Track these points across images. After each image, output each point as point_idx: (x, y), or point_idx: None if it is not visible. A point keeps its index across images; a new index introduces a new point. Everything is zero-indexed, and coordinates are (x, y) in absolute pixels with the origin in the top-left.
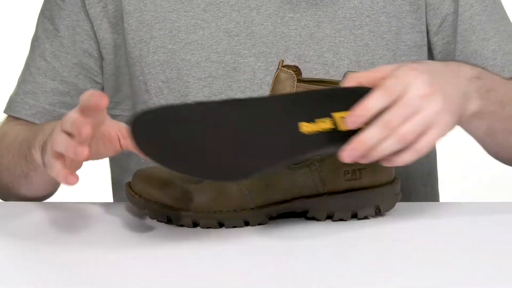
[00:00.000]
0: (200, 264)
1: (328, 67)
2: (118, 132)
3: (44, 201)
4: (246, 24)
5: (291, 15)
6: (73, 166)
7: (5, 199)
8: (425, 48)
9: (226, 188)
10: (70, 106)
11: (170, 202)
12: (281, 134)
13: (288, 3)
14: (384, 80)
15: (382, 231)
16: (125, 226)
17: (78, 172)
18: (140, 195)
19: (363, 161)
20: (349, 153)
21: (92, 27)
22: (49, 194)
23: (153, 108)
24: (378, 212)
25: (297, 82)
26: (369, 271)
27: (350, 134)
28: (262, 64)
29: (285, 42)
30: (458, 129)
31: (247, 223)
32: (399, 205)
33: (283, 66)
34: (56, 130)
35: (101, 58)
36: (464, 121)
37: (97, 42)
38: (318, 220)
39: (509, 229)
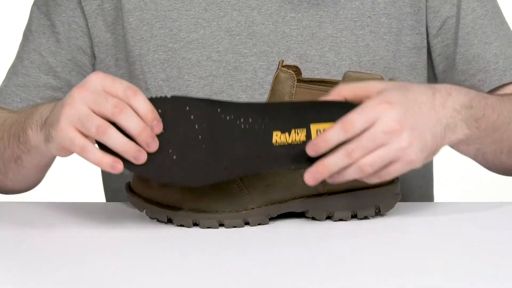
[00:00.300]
0: (200, 264)
1: (330, 67)
2: None
3: (44, 201)
4: (247, 24)
5: (292, 15)
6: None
7: None
8: (425, 50)
9: (226, 188)
10: None
11: (170, 202)
12: (254, 142)
13: (289, 3)
14: (367, 99)
15: (382, 231)
16: (125, 226)
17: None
18: (140, 195)
19: (330, 181)
20: (312, 175)
21: (87, 24)
22: (34, 184)
23: None
24: (378, 212)
25: (297, 82)
26: (369, 271)
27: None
28: (264, 63)
29: (287, 41)
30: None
31: (247, 223)
32: (399, 205)
33: (283, 66)
34: (98, 120)
35: (94, 56)
36: (453, 146)
37: (91, 39)
38: (318, 220)
39: (510, 229)
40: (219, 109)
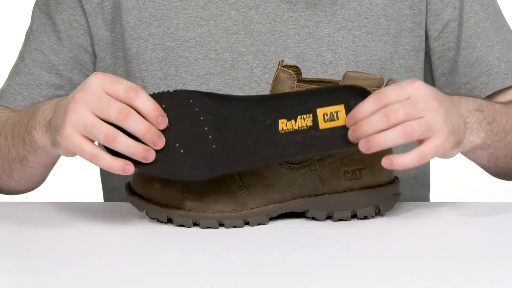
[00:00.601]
0: (200, 264)
1: (326, 66)
2: None
3: (44, 201)
4: (245, 23)
5: (289, 15)
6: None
7: None
8: (423, 53)
9: (226, 188)
10: None
11: (170, 202)
12: (261, 131)
13: (287, 2)
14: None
15: (382, 231)
16: (125, 226)
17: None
18: (140, 195)
19: (371, 146)
20: (351, 133)
21: (88, 22)
22: (39, 183)
23: None
24: (378, 212)
25: (297, 82)
26: (369, 271)
27: (325, 136)
28: (260, 62)
29: (284, 41)
30: None
31: (247, 223)
32: (399, 205)
33: (283, 66)
34: (103, 125)
35: (95, 54)
36: (469, 151)
37: (92, 37)
38: (318, 220)
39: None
40: (223, 102)
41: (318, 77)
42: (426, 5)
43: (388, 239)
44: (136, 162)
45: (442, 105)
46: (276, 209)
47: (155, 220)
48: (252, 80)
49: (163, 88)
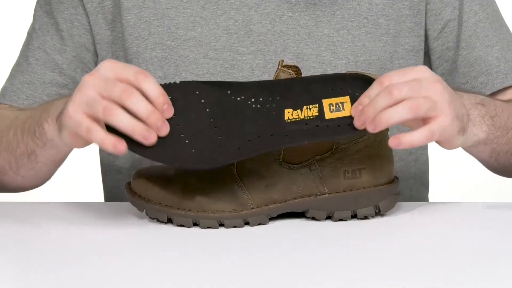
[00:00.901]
0: (200, 264)
1: (326, 65)
2: None
3: (44, 200)
4: (245, 22)
5: (289, 14)
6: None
7: None
8: (422, 53)
9: (226, 188)
10: None
11: (170, 202)
12: (267, 120)
13: (287, 2)
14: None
15: (382, 231)
16: (125, 226)
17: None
18: (140, 195)
19: (380, 123)
20: (358, 119)
21: (89, 21)
22: (44, 181)
23: None
24: (378, 212)
25: None
26: (369, 271)
27: (331, 126)
28: (260, 61)
29: (283, 40)
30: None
31: (247, 223)
32: (399, 205)
33: (283, 66)
34: (105, 101)
35: (96, 53)
36: (472, 146)
37: (93, 37)
38: (318, 220)
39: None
40: (228, 91)
41: None
42: (426, 5)
43: (388, 239)
44: (140, 147)
45: (447, 89)
46: (276, 209)
47: (155, 220)
48: (251, 79)
49: None
